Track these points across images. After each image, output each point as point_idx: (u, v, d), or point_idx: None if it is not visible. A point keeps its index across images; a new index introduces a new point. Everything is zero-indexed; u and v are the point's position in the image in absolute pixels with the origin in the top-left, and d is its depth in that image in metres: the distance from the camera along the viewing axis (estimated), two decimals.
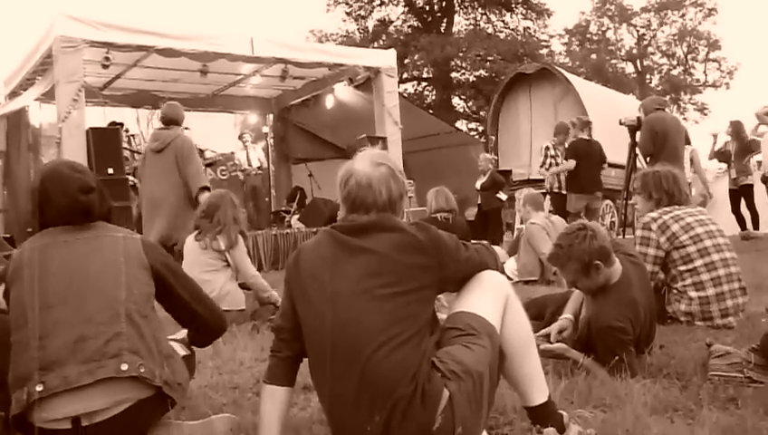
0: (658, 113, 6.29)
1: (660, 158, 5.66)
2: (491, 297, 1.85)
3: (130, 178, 7.79)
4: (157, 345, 1.93)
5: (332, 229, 1.86)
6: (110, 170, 7.02)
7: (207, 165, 9.98)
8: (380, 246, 1.75)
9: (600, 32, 32.43)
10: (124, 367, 1.81)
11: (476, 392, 1.68)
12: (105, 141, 7.25)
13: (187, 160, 5.53)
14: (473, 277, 1.88)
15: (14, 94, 8.77)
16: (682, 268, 3.42)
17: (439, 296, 1.91)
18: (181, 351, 2.27)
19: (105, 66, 7.81)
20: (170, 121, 5.73)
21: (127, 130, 8.90)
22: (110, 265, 1.96)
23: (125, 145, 8.41)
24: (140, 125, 9.87)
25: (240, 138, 10.54)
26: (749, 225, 8.51)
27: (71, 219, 2.02)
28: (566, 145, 8.02)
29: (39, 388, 1.77)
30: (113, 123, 8.58)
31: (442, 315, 1.91)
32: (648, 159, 6.29)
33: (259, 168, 10.64)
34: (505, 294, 1.87)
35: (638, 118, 6.55)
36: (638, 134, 6.61)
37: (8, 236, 7.40)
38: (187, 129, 9.41)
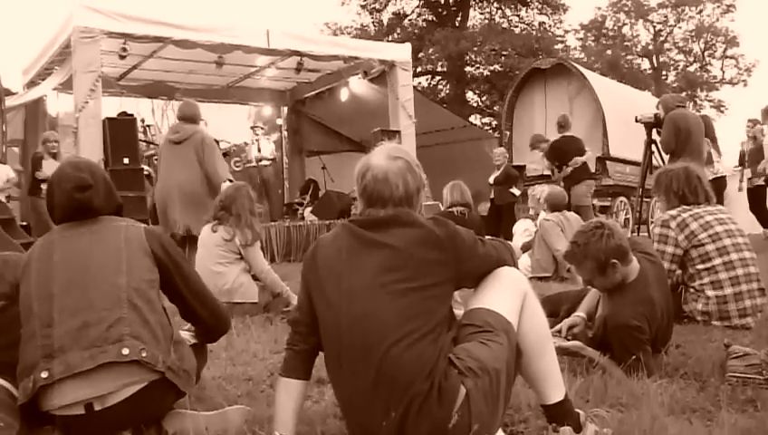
0: (680, 110, 6.24)
1: (683, 155, 5.62)
2: (508, 294, 1.84)
3: (146, 168, 7.83)
4: (162, 330, 1.94)
5: (350, 223, 1.86)
6: (126, 160, 7.08)
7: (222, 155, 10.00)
8: (398, 241, 1.75)
9: (615, 27, 32.07)
10: (125, 351, 1.82)
11: (493, 390, 1.67)
12: (121, 132, 7.30)
13: (211, 154, 5.70)
14: (490, 274, 1.87)
15: (32, 84, 8.85)
16: (700, 267, 3.39)
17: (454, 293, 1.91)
18: (191, 339, 2.27)
19: (122, 57, 7.83)
20: (188, 119, 5.82)
21: (143, 121, 8.94)
22: (111, 252, 1.98)
23: (140, 135, 8.46)
24: (156, 116, 9.92)
25: (252, 129, 10.54)
26: None
27: (71, 216, 2.06)
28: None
29: (44, 374, 1.80)
30: (124, 113, 8.59)
31: (458, 311, 1.89)
32: (668, 155, 6.23)
33: (273, 159, 10.64)
34: (523, 290, 1.86)
35: (656, 115, 6.48)
36: (654, 131, 6.54)
37: (25, 223, 7.48)
38: (201, 120, 9.48)
